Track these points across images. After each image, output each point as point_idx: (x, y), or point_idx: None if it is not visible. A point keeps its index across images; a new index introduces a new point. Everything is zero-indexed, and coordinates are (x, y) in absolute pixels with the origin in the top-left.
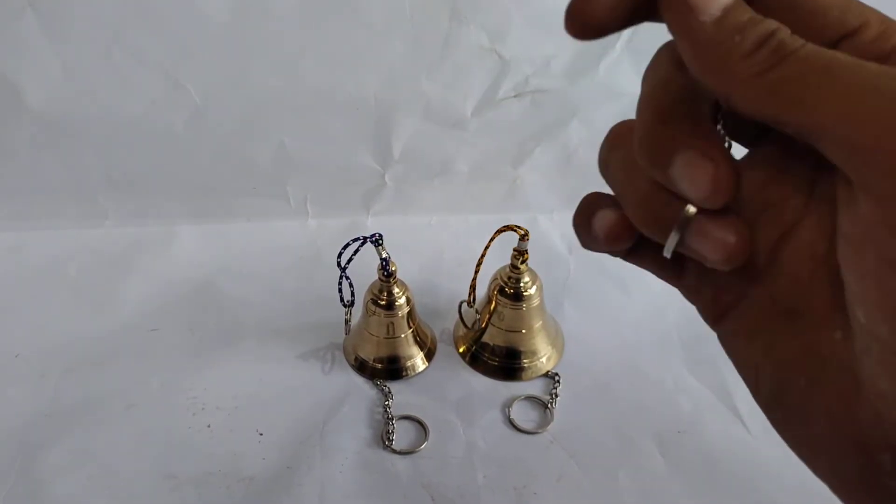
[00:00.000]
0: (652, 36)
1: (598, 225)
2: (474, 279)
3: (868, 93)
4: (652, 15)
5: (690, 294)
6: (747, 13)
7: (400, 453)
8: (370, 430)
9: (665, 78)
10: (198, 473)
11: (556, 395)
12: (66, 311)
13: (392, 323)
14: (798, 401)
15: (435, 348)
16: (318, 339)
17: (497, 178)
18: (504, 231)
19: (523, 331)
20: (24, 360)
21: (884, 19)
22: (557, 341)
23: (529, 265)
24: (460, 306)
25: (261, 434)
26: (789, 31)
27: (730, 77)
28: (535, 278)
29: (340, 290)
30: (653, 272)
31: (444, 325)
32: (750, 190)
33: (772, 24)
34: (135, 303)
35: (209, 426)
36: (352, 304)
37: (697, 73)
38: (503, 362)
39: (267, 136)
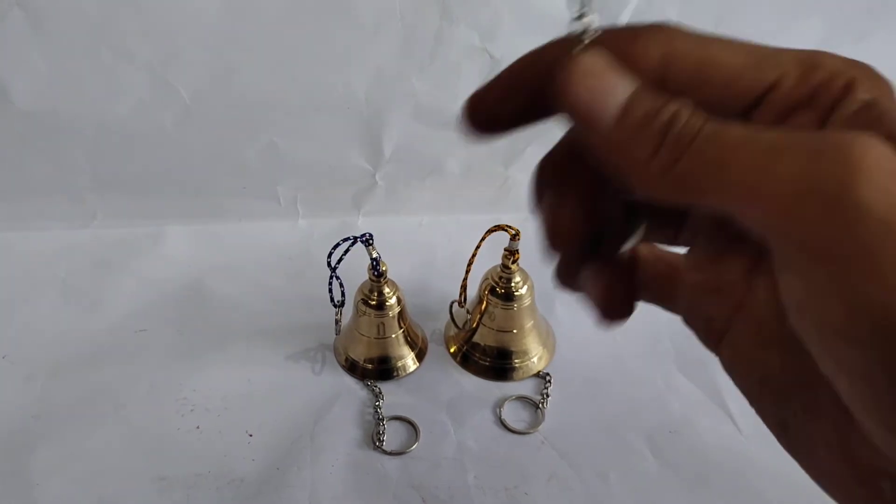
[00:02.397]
0: None
1: (591, 294)
2: (465, 279)
3: (762, 174)
4: (553, 114)
5: (687, 320)
6: (644, 105)
7: (390, 454)
8: (361, 431)
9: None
10: (187, 475)
11: (548, 396)
12: (54, 312)
13: (382, 323)
14: (798, 429)
15: (426, 348)
16: (308, 340)
17: (488, 178)
18: (495, 231)
19: (514, 331)
20: (11, 362)
21: (802, 60)
22: (549, 341)
23: (520, 265)
24: (451, 306)
25: (250, 435)
26: (689, 111)
27: (638, 178)
28: (526, 278)
29: (331, 291)
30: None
31: (435, 326)
32: (693, 278)
33: (669, 110)
34: (123, 303)
35: (198, 427)
36: (342, 304)
37: (609, 171)
38: (494, 362)
39: (257, 135)
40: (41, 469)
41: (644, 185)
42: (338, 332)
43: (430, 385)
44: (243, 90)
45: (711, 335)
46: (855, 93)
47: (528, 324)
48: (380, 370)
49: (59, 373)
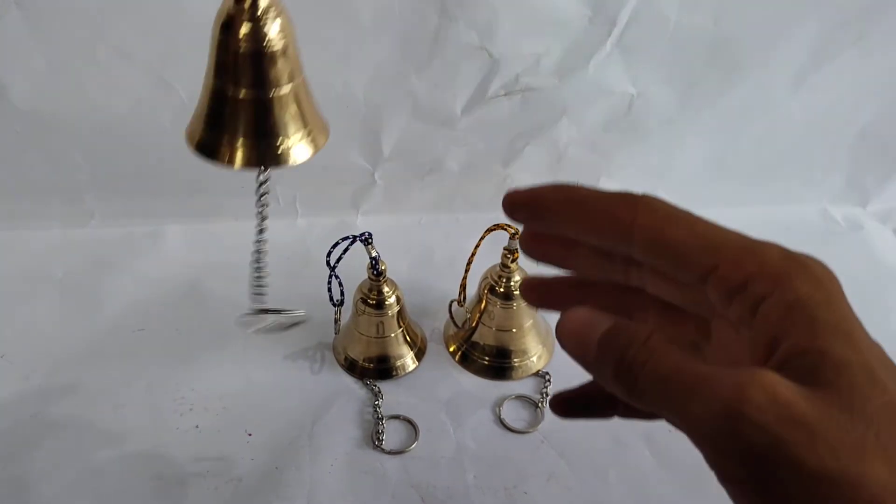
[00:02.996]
0: (641, 34)
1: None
2: (464, 278)
3: (683, 411)
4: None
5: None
6: (613, 341)
7: (389, 453)
8: (360, 430)
9: None
10: (186, 474)
11: (547, 395)
12: (52, 312)
13: (381, 322)
14: None
15: (425, 348)
16: (307, 339)
17: (487, 177)
18: (494, 230)
19: (514, 330)
20: (9, 361)
21: (739, 253)
22: (548, 340)
23: (520, 264)
24: (451, 305)
25: (249, 435)
26: (641, 341)
27: (612, 389)
28: (525, 277)
29: (330, 290)
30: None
31: (435, 325)
32: None
33: (623, 338)
34: (121, 303)
35: (197, 427)
36: (341, 303)
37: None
38: (493, 361)
39: None
40: (39, 468)
41: (621, 396)
42: (337, 332)
43: (429, 384)
44: None
45: None
46: (781, 291)
47: (528, 323)
48: (379, 369)
49: (58, 372)
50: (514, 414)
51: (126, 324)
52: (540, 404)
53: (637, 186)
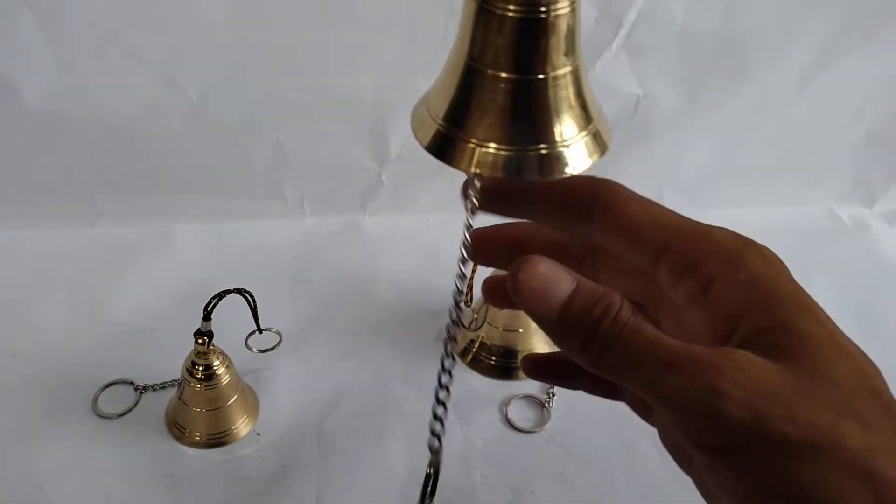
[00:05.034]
0: (648, 36)
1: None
2: (471, 278)
3: (658, 383)
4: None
5: (664, 445)
6: (579, 304)
7: (397, 451)
8: (367, 429)
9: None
10: (195, 473)
11: (554, 395)
12: (62, 311)
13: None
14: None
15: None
16: (315, 338)
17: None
18: None
19: (520, 330)
20: (20, 361)
21: (690, 233)
22: None
23: None
24: None
25: (258, 434)
26: (614, 313)
27: (577, 360)
28: None
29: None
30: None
31: (441, 325)
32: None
33: (596, 313)
34: (131, 302)
35: None
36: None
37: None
38: (500, 361)
39: (264, 135)
40: (50, 468)
41: (583, 364)
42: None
43: (436, 383)
44: (250, 90)
45: (683, 460)
46: (733, 271)
47: (534, 323)
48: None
49: (68, 371)
50: (521, 413)
51: (136, 323)
52: (546, 404)
53: (643, 187)
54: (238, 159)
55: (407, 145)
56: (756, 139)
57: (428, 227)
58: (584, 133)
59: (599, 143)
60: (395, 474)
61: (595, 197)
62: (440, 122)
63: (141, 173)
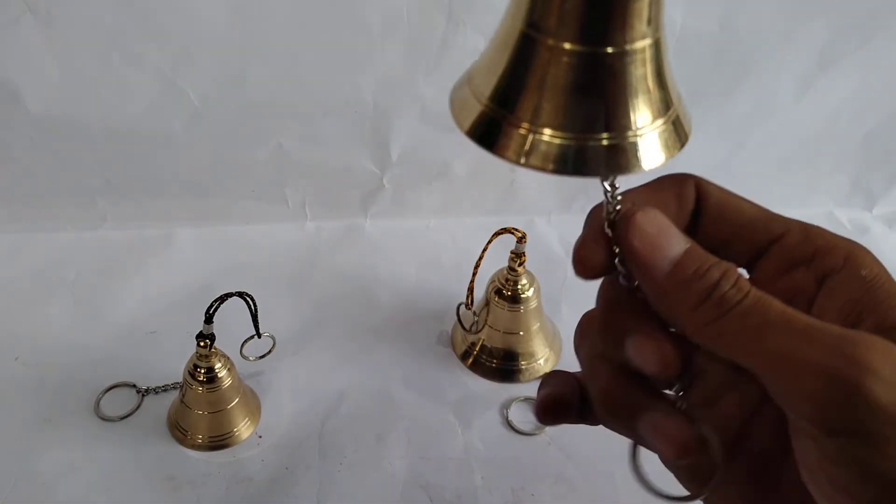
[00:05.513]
0: None
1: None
2: (472, 281)
3: (793, 355)
4: None
5: (669, 467)
6: (694, 263)
7: (398, 454)
8: (368, 431)
9: (610, 280)
10: (197, 475)
11: None
12: (65, 314)
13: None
14: None
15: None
16: (317, 341)
17: (494, 181)
18: (501, 233)
19: (521, 333)
20: (23, 363)
21: (804, 226)
22: (555, 343)
23: (527, 267)
24: (458, 308)
25: (259, 436)
26: (734, 279)
27: (682, 324)
28: (532, 280)
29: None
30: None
31: (442, 328)
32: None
33: (715, 274)
34: (133, 305)
35: None
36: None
37: (660, 312)
38: (501, 364)
39: (265, 139)
40: (53, 471)
41: (684, 329)
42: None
43: (437, 386)
44: (252, 94)
45: (696, 479)
46: (855, 266)
47: (535, 326)
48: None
49: (71, 374)
50: (522, 416)
51: (138, 326)
52: None
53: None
54: (240, 163)
55: (408, 149)
56: (755, 142)
57: (429, 230)
58: (661, 121)
59: (680, 133)
60: (395, 476)
61: (697, 188)
62: (486, 102)
63: (143, 177)
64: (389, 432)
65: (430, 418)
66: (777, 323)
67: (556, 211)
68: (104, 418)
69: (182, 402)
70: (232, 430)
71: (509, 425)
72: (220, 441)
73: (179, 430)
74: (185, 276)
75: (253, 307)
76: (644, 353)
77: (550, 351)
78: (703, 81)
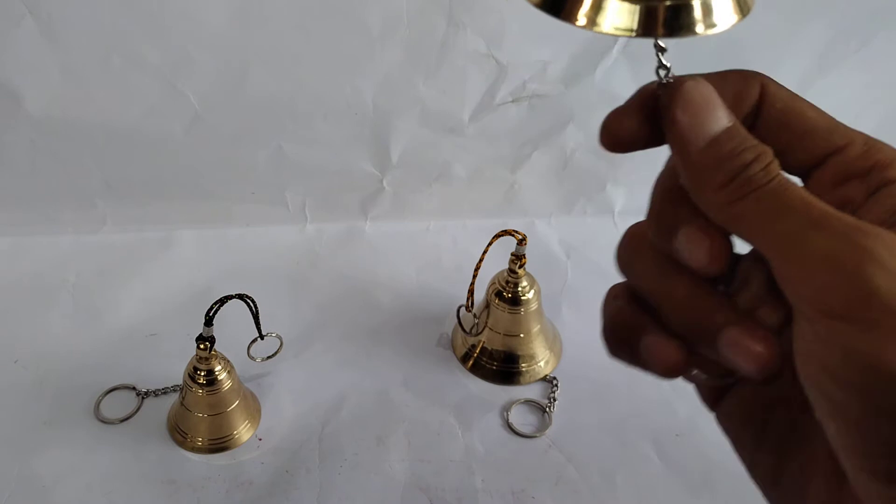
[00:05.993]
0: (647, 42)
1: (653, 357)
2: (472, 284)
3: (800, 238)
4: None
5: (687, 378)
6: (731, 142)
7: (398, 457)
8: (368, 434)
9: (670, 170)
10: (197, 478)
11: (555, 399)
12: (65, 317)
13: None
14: (791, 485)
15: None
16: (317, 343)
17: (494, 183)
18: (502, 236)
19: (521, 335)
20: (22, 366)
21: (867, 140)
22: (555, 345)
23: (527, 269)
24: (459, 311)
25: (260, 439)
26: (766, 163)
27: (704, 201)
28: (532, 283)
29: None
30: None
31: (442, 330)
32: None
33: (749, 156)
34: (133, 308)
35: None
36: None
37: (684, 186)
38: (501, 366)
39: (265, 141)
40: (52, 473)
41: (707, 207)
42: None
43: (438, 388)
44: (252, 96)
45: (713, 391)
46: None
47: (535, 328)
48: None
49: (70, 377)
50: (522, 418)
51: (138, 328)
52: (548, 409)
53: (645, 193)
54: (240, 165)
55: (408, 151)
56: None
57: (429, 233)
58: None
59: (742, 3)
60: (395, 479)
61: (763, 86)
62: None
63: (143, 179)
64: (390, 435)
65: (431, 421)
66: (795, 207)
67: (557, 213)
68: (104, 421)
69: (182, 404)
70: (232, 433)
71: (510, 427)
72: (220, 444)
73: (179, 433)
74: (185, 279)
75: (254, 309)
76: (694, 244)
77: (551, 353)
78: None
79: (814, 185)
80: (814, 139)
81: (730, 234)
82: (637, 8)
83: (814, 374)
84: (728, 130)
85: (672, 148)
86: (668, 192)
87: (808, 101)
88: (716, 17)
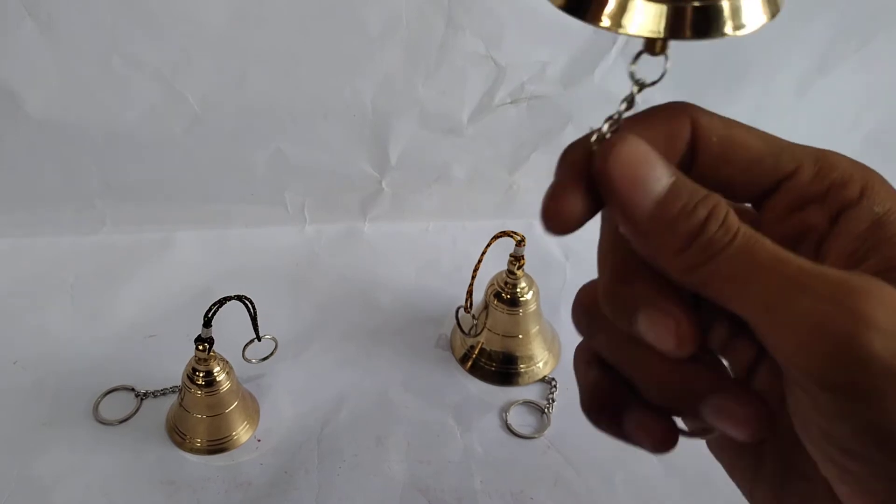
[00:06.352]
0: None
1: (640, 436)
2: (471, 285)
3: (783, 303)
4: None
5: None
6: (679, 200)
7: (397, 458)
8: (367, 435)
9: (614, 240)
10: (196, 479)
11: (553, 400)
12: (64, 318)
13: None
14: None
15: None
16: (316, 344)
17: (493, 184)
18: (500, 237)
19: (520, 336)
20: (22, 367)
21: (817, 157)
22: (554, 346)
23: (526, 271)
24: (457, 312)
25: (259, 440)
26: (722, 218)
27: (667, 268)
28: (531, 284)
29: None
30: None
31: (442, 331)
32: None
33: (702, 212)
34: (133, 309)
35: None
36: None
37: (640, 253)
38: (500, 367)
39: (264, 142)
40: (51, 474)
41: (668, 273)
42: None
43: (436, 390)
44: (251, 98)
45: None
46: (870, 201)
47: (534, 329)
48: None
49: (70, 378)
50: (521, 419)
51: (137, 330)
52: (546, 410)
53: None
54: (239, 166)
55: (407, 152)
56: None
57: (428, 234)
58: None
59: (771, 3)
60: (394, 480)
61: (694, 121)
62: None
63: (142, 180)
64: (388, 436)
65: (430, 422)
66: (767, 268)
67: None
68: (103, 422)
69: (181, 405)
70: (231, 434)
71: (508, 429)
72: (218, 445)
73: (178, 434)
74: (184, 280)
75: (252, 310)
76: (658, 329)
77: (549, 354)
78: (703, 82)
79: (768, 213)
80: (760, 168)
81: (698, 302)
82: (664, 9)
83: (817, 441)
84: (672, 187)
85: (616, 218)
86: (618, 266)
87: (745, 126)
88: (745, 18)
